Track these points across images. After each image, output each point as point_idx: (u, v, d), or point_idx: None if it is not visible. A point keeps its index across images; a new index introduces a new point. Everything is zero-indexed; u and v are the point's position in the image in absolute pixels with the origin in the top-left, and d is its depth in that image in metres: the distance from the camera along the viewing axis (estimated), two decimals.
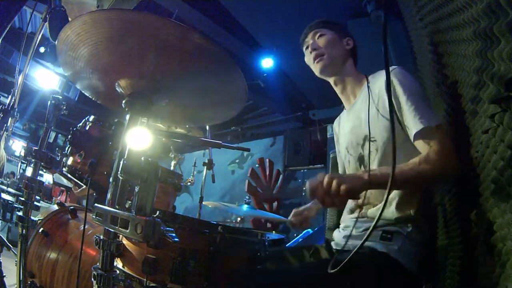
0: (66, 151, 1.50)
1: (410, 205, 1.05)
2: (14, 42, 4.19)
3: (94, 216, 0.79)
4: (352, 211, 1.21)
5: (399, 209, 1.05)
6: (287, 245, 2.10)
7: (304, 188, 4.63)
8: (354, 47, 1.31)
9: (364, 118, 1.16)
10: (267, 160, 4.97)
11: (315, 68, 1.27)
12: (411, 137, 1.00)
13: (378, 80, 1.16)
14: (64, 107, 1.50)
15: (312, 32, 1.30)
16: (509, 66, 0.59)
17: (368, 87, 1.17)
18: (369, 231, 0.65)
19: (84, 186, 1.59)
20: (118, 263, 1.10)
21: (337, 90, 1.32)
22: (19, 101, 1.43)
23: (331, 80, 1.30)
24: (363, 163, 1.16)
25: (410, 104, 1.01)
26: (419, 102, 1.02)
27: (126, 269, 1.07)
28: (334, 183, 0.86)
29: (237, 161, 5.58)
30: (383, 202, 0.64)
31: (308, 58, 1.30)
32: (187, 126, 2.13)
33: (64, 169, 1.48)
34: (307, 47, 1.29)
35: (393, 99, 1.06)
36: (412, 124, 0.99)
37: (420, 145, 1.00)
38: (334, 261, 0.86)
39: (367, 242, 0.98)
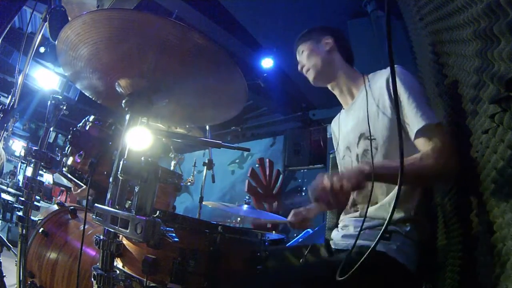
0: (66, 151, 1.50)
1: (409, 204, 1.05)
2: (14, 42, 4.19)
3: (94, 216, 0.79)
4: (350, 210, 1.20)
5: (398, 208, 1.05)
6: (287, 245, 2.10)
7: (304, 188, 4.64)
8: (336, 43, 1.29)
9: (362, 117, 1.15)
10: (267, 160, 4.97)
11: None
12: (412, 135, 1.00)
13: (379, 79, 1.16)
14: (64, 107, 1.49)
15: (297, 51, 1.37)
16: (509, 66, 0.59)
17: (366, 87, 1.17)
18: (379, 234, 0.65)
19: (84, 187, 1.59)
20: (118, 263, 1.10)
21: (335, 93, 1.34)
22: (19, 101, 1.43)
23: (328, 86, 1.33)
24: (358, 161, 1.17)
25: (412, 101, 1.01)
26: (420, 100, 1.02)
27: (126, 269, 1.06)
28: (335, 180, 0.87)
29: (237, 161, 5.58)
30: (392, 205, 0.63)
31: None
32: (187, 126, 2.13)
33: (64, 169, 1.48)
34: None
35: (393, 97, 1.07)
36: (414, 121, 0.99)
37: (420, 142, 1.00)
38: (339, 264, 0.86)
39: (365, 241, 0.98)
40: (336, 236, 1.20)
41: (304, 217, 1.38)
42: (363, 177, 0.89)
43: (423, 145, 0.99)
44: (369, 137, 1.11)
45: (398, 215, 1.04)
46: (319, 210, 1.43)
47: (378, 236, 0.64)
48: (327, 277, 0.90)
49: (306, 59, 1.30)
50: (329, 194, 0.87)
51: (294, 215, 1.40)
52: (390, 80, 1.09)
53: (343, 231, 1.17)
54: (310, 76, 1.30)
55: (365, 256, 0.64)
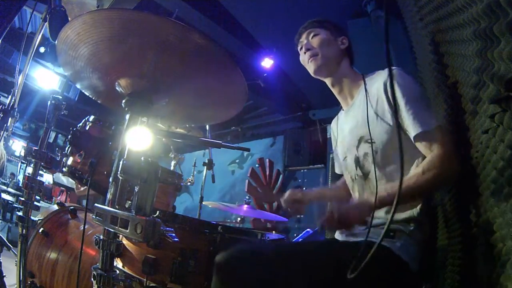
0: (66, 151, 1.50)
1: (413, 204, 1.05)
2: (14, 42, 4.19)
3: (94, 216, 0.79)
4: None
5: (402, 208, 1.05)
6: None
7: (304, 188, 4.64)
8: (349, 46, 1.29)
9: (360, 119, 1.15)
10: (267, 160, 4.96)
11: (310, 68, 1.25)
12: (412, 140, 1.01)
13: (376, 81, 1.15)
14: (64, 107, 1.50)
15: (306, 32, 1.29)
16: (509, 66, 0.59)
17: (366, 89, 1.16)
18: (383, 232, 0.65)
19: None
20: (118, 263, 1.10)
21: (334, 91, 1.30)
22: (19, 101, 1.43)
23: (327, 81, 1.29)
24: (359, 164, 1.16)
25: (409, 107, 1.01)
26: (417, 105, 1.02)
27: (126, 269, 1.07)
28: (343, 216, 0.91)
29: (237, 161, 5.58)
30: (392, 209, 0.64)
31: (303, 58, 1.29)
32: (187, 126, 2.13)
33: (64, 169, 1.48)
34: (301, 47, 1.28)
35: (391, 101, 1.06)
36: (411, 128, 1.00)
37: (421, 148, 1.01)
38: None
39: (370, 239, 0.98)
40: (340, 237, 1.20)
41: (298, 199, 1.32)
42: (368, 212, 0.93)
43: (424, 150, 1.00)
44: (369, 141, 1.11)
45: (402, 214, 1.04)
46: (312, 200, 1.39)
47: (382, 233, 0.64)
48: (329, 265, 0.92)
49: (318, 44, 1.24)
50: (336, 225, 0.93)
51: (290, 193, 1.34)
52: (388, 83, 1.08)
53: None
54: (316, 62, 1.22)
55: (375, 247, 0.64)
